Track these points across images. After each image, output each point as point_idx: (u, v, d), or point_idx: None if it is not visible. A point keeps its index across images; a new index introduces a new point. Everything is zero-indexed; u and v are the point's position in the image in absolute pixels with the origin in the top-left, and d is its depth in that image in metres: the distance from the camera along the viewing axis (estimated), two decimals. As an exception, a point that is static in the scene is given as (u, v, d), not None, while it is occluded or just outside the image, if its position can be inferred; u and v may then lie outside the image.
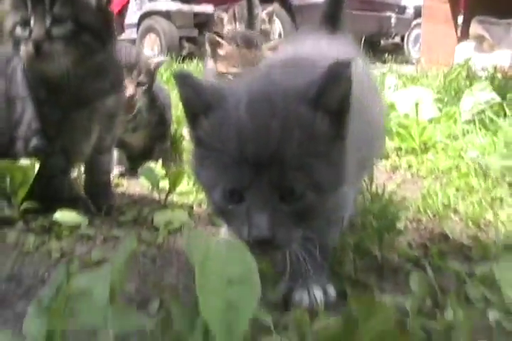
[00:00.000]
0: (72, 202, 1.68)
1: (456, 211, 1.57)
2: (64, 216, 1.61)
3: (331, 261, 1.12)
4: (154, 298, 1.03)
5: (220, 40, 2.42)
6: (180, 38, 10.09)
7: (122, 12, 12.44)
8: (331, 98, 0.93)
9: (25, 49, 1.47)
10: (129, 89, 2.17)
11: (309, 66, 1.06)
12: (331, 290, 1.07)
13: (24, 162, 1.57)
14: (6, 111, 1.63)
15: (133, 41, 11.40)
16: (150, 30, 10.93)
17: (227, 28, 2.99)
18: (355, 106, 0.98)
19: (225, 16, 3.51)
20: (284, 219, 0.89)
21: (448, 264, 1.18)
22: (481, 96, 2.62)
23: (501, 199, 1.66)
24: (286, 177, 0.89)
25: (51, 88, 1.58)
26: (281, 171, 0.89)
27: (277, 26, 10.91)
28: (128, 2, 12.36)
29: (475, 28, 5.89)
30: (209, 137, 0.95)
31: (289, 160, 0.89)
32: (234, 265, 0.61)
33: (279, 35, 10.33)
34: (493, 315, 0.96)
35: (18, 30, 1.49)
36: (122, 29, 12.46)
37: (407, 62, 11.51)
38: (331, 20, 1.42)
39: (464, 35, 5.97)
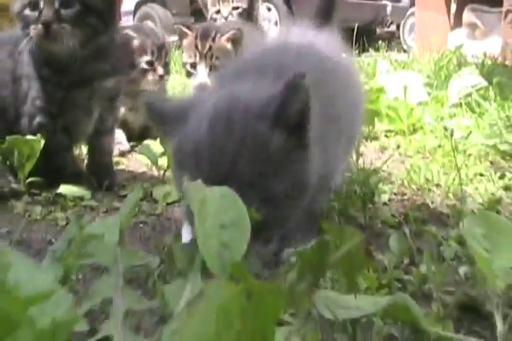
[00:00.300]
0: (75, 178, 1.77)
1: (438, 185, 1.67)
2: (68, 189, 1.70)
3: (318, 225, 1.21)
4: (155, 256, 1.12)
5: (185, 30, 2.53)
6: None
7: (119, -1, 12.44)
8: (289, 114, 0.97)
9: (35, 29, 1.55)
10: (159, 70, 2.30)
11: (280, 71, 1.09)
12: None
13: (31, 137, 1.65)
14: (13, 90, 1.71)
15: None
16: (146, 17, 10.92)
17: (212, 10, 3.01)
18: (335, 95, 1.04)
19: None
20: None
21: (426, 228, 1.27)
22: (468, 80, 2.71)
23: (482, 175, 1.76)
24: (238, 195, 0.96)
25: (55, 68, 1.67)
26: (234, 189, 0.91)
27: (273, 15, 10.94)
28: (124, -11, 12.33)
29: (468, 15, 5.97)
30: (175, 155, 1.02)
31: (241, 179, 0.93)
32: (226, 211, 0.70)
33: (275, 23, 10.38)
34: (462, 270, 1.06)
35: (27, 11, 1.58)
36: (119, 16, 12.48)
37: (404, 50, 11.53)
38: (324, 13, 1.48)
39: (457, 22, 6.05)
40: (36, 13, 1.56)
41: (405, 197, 1.56)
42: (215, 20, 2.92)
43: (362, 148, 2.29)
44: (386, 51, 8.79)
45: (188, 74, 2.53)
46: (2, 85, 1.72)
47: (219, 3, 2.95)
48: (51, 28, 1.55)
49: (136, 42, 2.38)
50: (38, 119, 1.71)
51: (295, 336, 0.70)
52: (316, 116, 1.02)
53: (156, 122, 1.07)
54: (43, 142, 1.66)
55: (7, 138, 1.64)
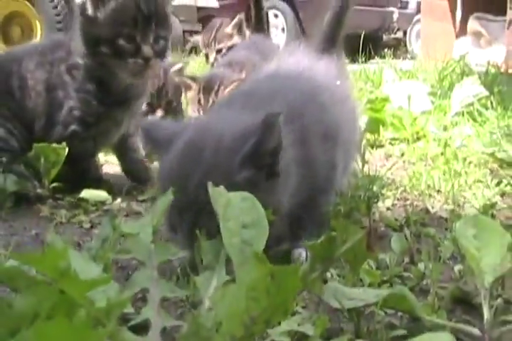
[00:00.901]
0: (96, 182, 1.88)
1: (439, 191, 1.77)
2: (89, 194, 1.81)
3: (326, 226, 1.32)
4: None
5: (189, 82, 2.45)
6: (184, 32, 10.18)
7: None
8: (261, 155, 1.06)
9: (136, 64, 1.70)
10: (158, 113, 2.36)
11: (263, 102, 1.20)
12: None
13: (57, 145, 1.76)
14: (46, 99, 1.82)
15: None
16: (154, 24, 10.98)
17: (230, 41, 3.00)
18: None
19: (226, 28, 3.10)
20: None
21: (425, 231, 1.38)
22: (470, 90, 2.82)
23: (480, 181, 1.86)
24: (199, 221, 1.02)
25: (106, 88, 1.80)
26: (197, 216, 1.02)
27: (280, 21, 11.01)
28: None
29: (473, 24, 6.05)
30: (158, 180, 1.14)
31: (203, 207, 0.97)
32: (247, 213, 0.81)
33: (282, 30, 10.48)
34: (457, 268, 1.16)
35: (122, 42, 1.69)
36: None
37: (410, 57, 11.55)
38: (329, 39, 1.54)
39: (462, 31, 6.13)
40: (133, 47, 1.69)
41: (407, 202, 1.66)
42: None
43: (368, 156, 2.40)
44: (392, 58, 8.87)
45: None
46: (36, 95, 1.82)
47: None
48: (150, 62, 1.70)
49: None
50: (72, 127, 1.81)
51: (307, 322, 0.80)
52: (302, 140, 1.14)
53: (149, 147, 1.18)
54: (67, 149, 1.77)
55: (34, 145, 1.75)
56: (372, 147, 2.56)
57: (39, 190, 1.81)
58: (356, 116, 1.51)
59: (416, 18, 11.21)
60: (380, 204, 1.62)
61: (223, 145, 1.07)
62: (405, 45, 12.12)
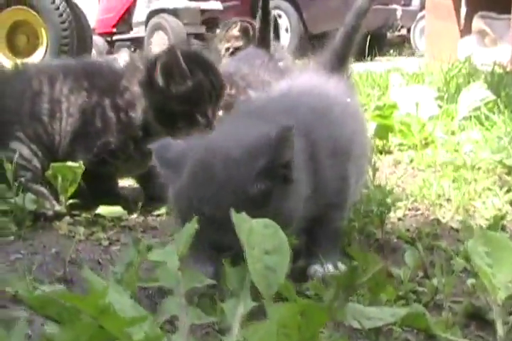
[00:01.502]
0: (114, 199, 1.92)
1: (449, 200, 1.81)
2: (106, 210, 1.85)
3: (340, 242, 1.36)
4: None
5: None
6: (188, 35, 10.17)
7: (130, 10, 12.53)
8: (274, 169, 1.08)
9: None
10: None
11: (272, 117, 1.22)
12: (341, 265, 1.30)
13: (72, 164, 1.80)
14: (77, 120, 1.87)
15: (141, 39, 11.49)
16: (158, 27, 10.97)
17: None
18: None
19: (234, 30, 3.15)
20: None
21: (437, 243, 1.42)
22: (476, 94, 2.85)
23: (489, 189, 1.89)
24: (216, 237, 1.05)
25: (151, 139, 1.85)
26: (217, 234, 1.03)
27: (284, 22, 11.00)
28: (136, 0, 12.41)
29: (477, 23, 6.04)
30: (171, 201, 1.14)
31: (220, 223, 1.00)
32: (270, 240, 0.85)
33: (286, 30, 10.50)
34: (470, 281, 1.20)
35: (199, 118, 1.79)
36: (130, 27, 12.60)
37: (414, 54, 11.53)
38: (339, 57, 1.54)
39: (467, 30, 6.13)
40: (206, 121, 1.79)
41: (418, 212, 1.70)
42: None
43: (378, 163, 2.44)
44: (395, 56, 8.85)
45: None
46: (66, 118, 1.86)
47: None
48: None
49: None
50: (102, 156, 1.86)
51: (328, 342, 0.84)
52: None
53: (160, 168, 1.18)
54: (83, 168, 1.80)
55: (52, 164, 1.79)
56: (381, 153, 2.60)
57: (57, 208, 1.85)
58: (366, 131, 1.55)
59: (419, 15, 11.16)
60: (391, 214, 1.66)
61: (235, 161, 1.08)
62: (409, 42, 12.12)
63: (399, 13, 11.39)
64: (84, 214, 1.83)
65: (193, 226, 0.89)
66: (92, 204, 1.85)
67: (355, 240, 1.42)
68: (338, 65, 1.54)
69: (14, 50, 8.23)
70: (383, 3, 10.99)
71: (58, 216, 1.82)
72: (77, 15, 8.56)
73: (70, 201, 1.84)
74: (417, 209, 1.73)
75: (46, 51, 8.08)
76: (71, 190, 1.83)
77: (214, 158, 1.10)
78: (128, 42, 12.73)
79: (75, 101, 1.86)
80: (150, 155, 1.83)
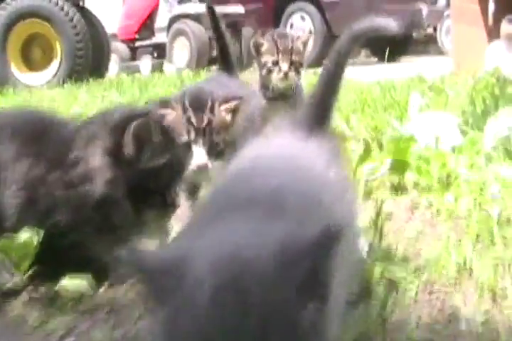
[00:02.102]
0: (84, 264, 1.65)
1: (471, 274, 1.49)
2: (70, 282, 1.59)
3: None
4: None
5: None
6: (210, 40, 10.11)
7: (152, 16, 12.53)
8: (321, 282, 0.75)
9: None
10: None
11: (272, 205, 0.88)
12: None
13: (23, 236, 1.55)
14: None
15: (163, 45, 11.50)
16: (180, 33, 10.98)
17: (268, 59, 2.49)
18: None
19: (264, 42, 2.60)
20: None
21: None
22: (506, 122, 2.54)
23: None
24: None
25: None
26: None
27: (308, 24, 10.91)
28: (157, 6, 12.44)
29: (506, 27, 5.80)
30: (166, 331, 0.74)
31: None
32: None
33: (310, 32, 10.31)
34: None
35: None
36: (152, 33, 12.57)
37: (441, 52, 11.46)
38: (320, 113, 1.25)
39: (495, 34, 5.90)
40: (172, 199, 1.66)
41: (433, 297, 1.39)
42: (269, 71, 2.47)
43: (391, 205, 2.15)
44: (420, 56, 8.59)
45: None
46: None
47: (277, 53, 2.48)
48: None
49: None
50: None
51: None
52: None
53: (142, 282, 0.78)
54: (37, 240, 1.55)
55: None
56: (396, 191, 2.31)
57: (10, 284, 1.60)
58: (354, 205, 1.23)
59: (445, 13, 11.30)
60: (399, 295, 1.37)
61: (269, 280, 0.72)
62: (435, 41, 12.28)
63: (425, 13, 11.44)
64: (44, 288, 1.60)
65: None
66: (60, 269, 1.61)
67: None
68: (320, 121, 1.22)
69: (29, 63, 8.14)
70: (409, 3, 11.04)
71: (16, 291, 1.58)
72: (92, 25, 8.44)
73: (31, 271, 1.59)
74: (431, 291, 1.42)
75: (60, 63, 8.01)
76: (24, 265, 1.59)
77: (246, 275, 0.73)
78: (150, 49, 12.80)
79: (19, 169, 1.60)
80: (144, 210, 1.62)
